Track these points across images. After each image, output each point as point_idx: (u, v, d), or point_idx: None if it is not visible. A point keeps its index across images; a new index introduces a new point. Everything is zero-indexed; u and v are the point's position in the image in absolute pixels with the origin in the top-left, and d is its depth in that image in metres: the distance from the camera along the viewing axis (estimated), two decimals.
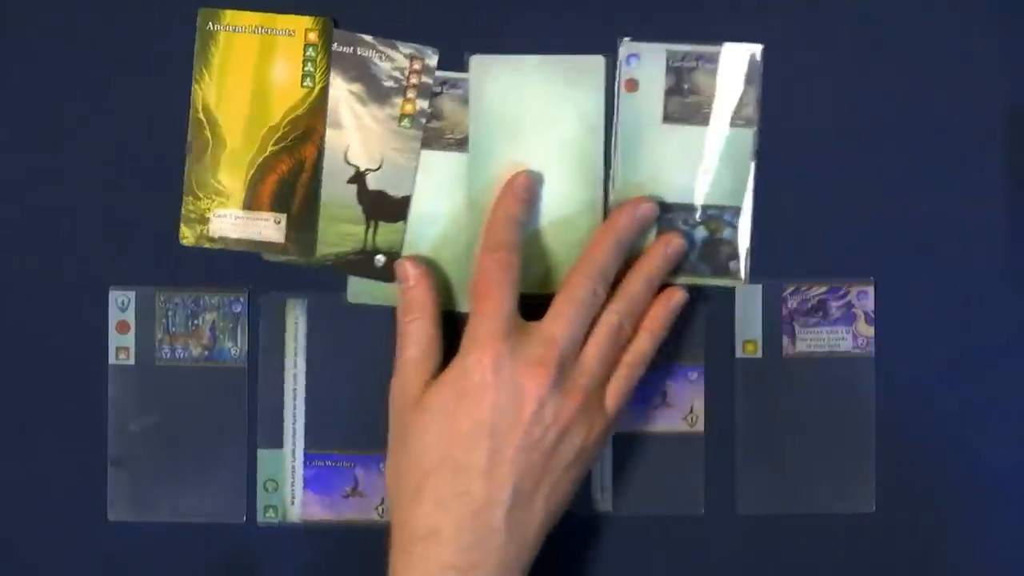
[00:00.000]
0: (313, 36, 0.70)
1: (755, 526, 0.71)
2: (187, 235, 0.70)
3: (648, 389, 0.70)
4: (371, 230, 0.70)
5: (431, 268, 0.68)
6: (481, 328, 0.64)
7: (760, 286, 0.71)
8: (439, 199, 0.70)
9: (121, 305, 0.71)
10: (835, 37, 0.70)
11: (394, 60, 0.70)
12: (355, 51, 0.70)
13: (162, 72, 0.70)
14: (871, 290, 0.70)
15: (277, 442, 0.71)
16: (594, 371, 0.65)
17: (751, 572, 0.71)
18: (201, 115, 0.70)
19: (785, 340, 0.71)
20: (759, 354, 0.71)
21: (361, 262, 0.70)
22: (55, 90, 0.70)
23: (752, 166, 0.70)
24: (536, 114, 0.70)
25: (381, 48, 0.70)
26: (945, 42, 0.70)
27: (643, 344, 0.67)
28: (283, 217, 0.70)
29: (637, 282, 0.67)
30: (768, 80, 0.70)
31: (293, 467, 0.71)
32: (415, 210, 0.70)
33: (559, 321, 0.64)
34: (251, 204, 0.70)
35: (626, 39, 0.70)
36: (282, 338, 0.71)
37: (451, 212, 0.70)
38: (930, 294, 0.70)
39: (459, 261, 0.70)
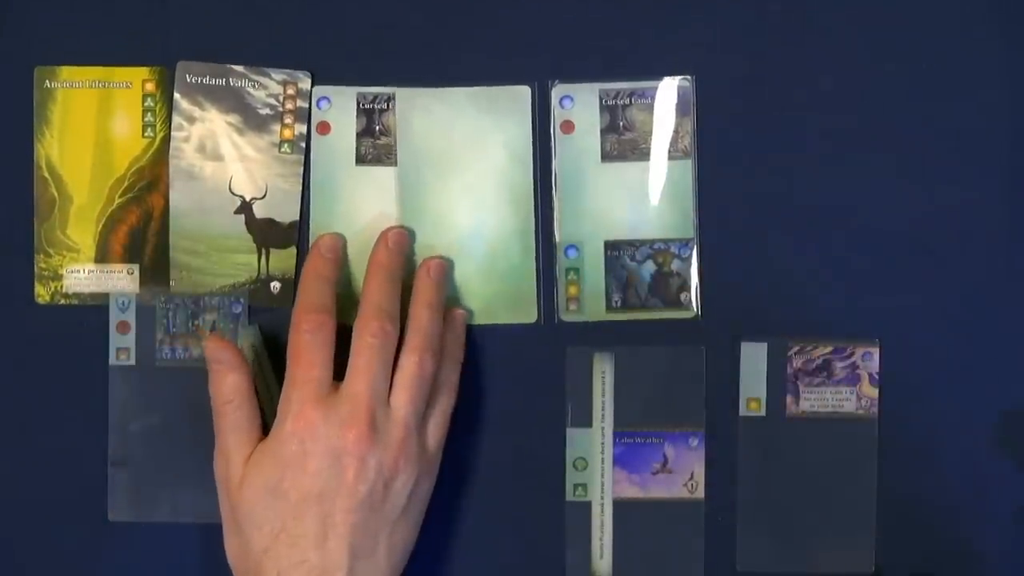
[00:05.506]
0: (151, 86, 0.70)
1: None
2: (42, 293, 0.70)
3: (649, 455, 0.70)
4: (263, 258, 0.70)
5: (239, 349, 0.67)
6: (294, 395, 0.64)
7: (765, 344, 0.70)
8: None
9: (122, 306, 0.71)
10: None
11: (267, 87, 0.70)
12: (227, 82, 0.70)
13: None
14: (876, 351, 0.69)
15: None
16: (407, 415, 0.65)
17: None
18: (45, 173, 0.70)
19: (789, 399, 0.70)
20: (762, 412, 0.70)
21: (258, 290, 0.70)
22: None
23: (693, 198, 0.70)
24: (463, 145, 0.70)
25: (253, 77, 0.70)
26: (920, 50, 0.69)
27: (448, 375, 0.68)
28: (136, 267, 0.70)
29: (420, 313, 0.67)
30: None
31: None
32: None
33: (358, 375, 0.64)
34: (103, 257, 0.70)
35: (558, 82, 0.69)
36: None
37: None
38: (936, 357, 0.69)
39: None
